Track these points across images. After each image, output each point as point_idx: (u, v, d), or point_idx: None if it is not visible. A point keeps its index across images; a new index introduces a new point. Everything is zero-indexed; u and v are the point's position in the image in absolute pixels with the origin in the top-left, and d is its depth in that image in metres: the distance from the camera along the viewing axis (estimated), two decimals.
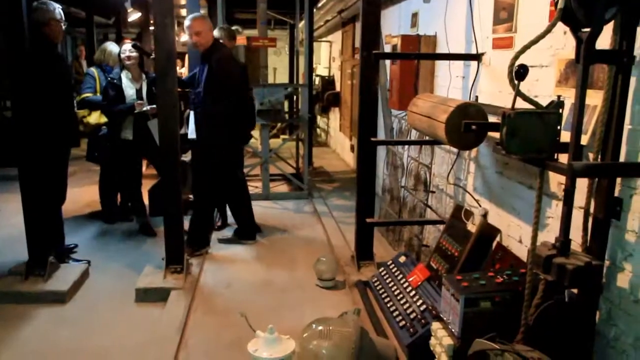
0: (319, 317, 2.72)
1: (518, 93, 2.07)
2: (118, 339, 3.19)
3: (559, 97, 2.13)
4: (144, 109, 4.67)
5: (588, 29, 1.95)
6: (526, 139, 2.08)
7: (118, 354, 3.07)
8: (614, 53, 2.01)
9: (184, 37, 9.70)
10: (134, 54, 4.69)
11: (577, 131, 2.01)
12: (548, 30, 2.00)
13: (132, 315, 3.49)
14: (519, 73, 2.03)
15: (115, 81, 4.69)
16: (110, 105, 4.72)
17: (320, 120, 12.04)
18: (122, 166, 4.98)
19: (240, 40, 6.32)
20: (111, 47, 5.32)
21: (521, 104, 2.16)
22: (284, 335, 2.65)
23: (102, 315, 3.47)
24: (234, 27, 5.59)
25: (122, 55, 4.72)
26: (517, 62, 2.04)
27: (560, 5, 1.94)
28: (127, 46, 4.76)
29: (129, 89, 4.73)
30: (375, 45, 3.71)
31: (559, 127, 2.10)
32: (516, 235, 3.00)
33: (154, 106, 4.57)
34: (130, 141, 4.76)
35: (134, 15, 9.28)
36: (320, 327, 2.53)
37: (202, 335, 3.12)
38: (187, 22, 4.26)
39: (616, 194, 2.17)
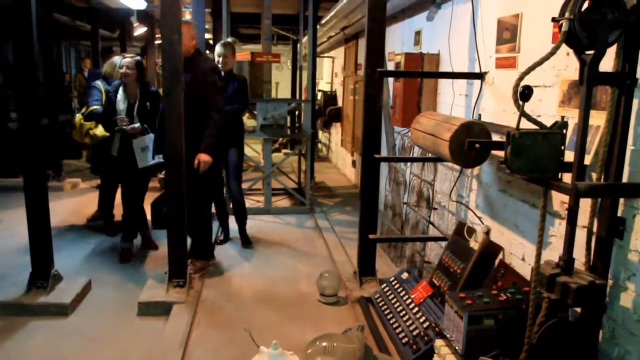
0: (321, 333, 2.73)
1: (523, 113, 2.10)
2: (120, 352, 3.17)
3: (562, 117, 2.16)
4: (123, 125, 4.47)
5: (592, 52, 1.99)
6: (531, 159, 2.11)
7: None
8: (617, 75, 2.05)
9: None
10: (130, 70, 4.47)
11: (580, 152, 2.05)
12: (552, 53, 2.05)
13: (135, 329, 3.48)
14: (524, 94, 2.07)
15: (110, 95, 4.62)
16: (102, 119, 4.74)
17: (322, 135, 12.09)
18: (114, 180, 5.00)
19: (245, 56, 6.38)
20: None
21: (526, 124, 2.20)
22: (287, 350, 2.66)
23: (104, 329, 3.46)
24: (230, 39, 5.55)
25: (120, 71, 4.53)
26: (522, 83, 2.08)
27: (564, 28, 1.99)
28: (126, 60, 4.53)
29: (121, 104, 4.57)
30: (380, 64, 3.75)
31: (562, 148, 2.13)
32: (519, 253, 3.01)
33: (135, 125, 4.47)
34: (115, 157, 4.66)
35: (139, 30, 9.37)
36: (324, 343, 2.54)
37: (204, 350, 3.11)
38: None
39: (619, 213, 2.19)
